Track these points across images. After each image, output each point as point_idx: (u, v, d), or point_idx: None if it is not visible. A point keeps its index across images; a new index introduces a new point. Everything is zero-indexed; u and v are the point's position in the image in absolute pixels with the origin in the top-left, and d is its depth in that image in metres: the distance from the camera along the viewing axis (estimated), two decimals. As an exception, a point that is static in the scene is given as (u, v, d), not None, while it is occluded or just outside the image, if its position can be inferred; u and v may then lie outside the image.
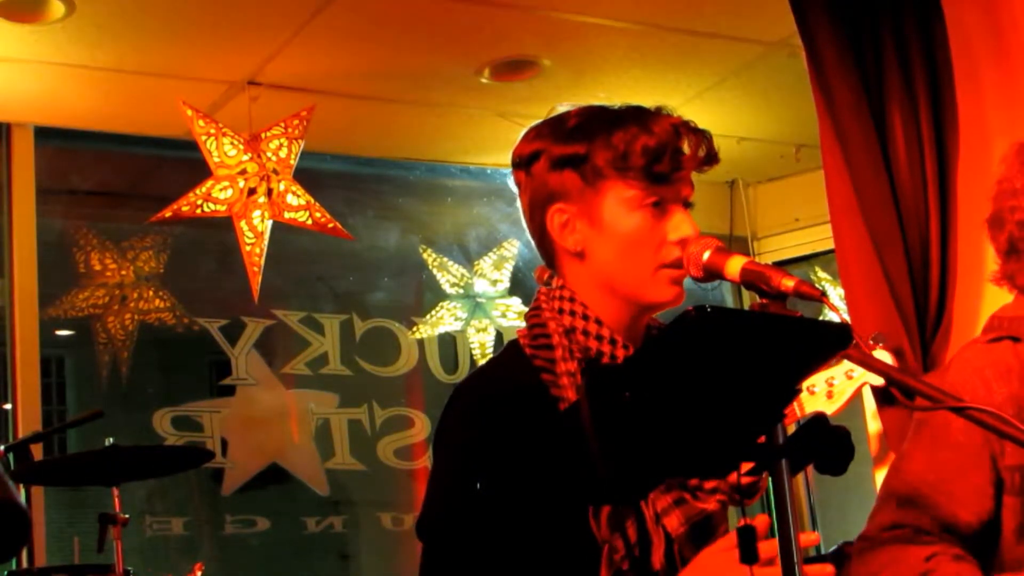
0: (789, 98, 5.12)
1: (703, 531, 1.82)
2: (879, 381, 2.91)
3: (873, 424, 3.27)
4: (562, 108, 1.94)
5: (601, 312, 1.86)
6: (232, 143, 4.71)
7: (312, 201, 4.85)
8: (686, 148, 1.84)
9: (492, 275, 5.95)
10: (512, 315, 5.90)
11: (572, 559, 1.76)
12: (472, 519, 1.75)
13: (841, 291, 3.45)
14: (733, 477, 1.73)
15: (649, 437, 1.43)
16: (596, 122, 1.86)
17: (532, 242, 1.96)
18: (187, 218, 4.75)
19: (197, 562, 3.92)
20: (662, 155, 1.82)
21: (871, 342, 2.95)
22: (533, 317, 1.90)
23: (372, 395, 5.72)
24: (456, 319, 5.89)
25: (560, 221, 1.87)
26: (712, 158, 1.86)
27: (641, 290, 1.85)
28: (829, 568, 1.72)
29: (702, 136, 1.85)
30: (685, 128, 1.85)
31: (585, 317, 1.85)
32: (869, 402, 3.28)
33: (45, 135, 5.08)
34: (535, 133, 1.92)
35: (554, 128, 1.89)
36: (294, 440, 5.59)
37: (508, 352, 1.91)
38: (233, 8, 4.31)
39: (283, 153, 4.78)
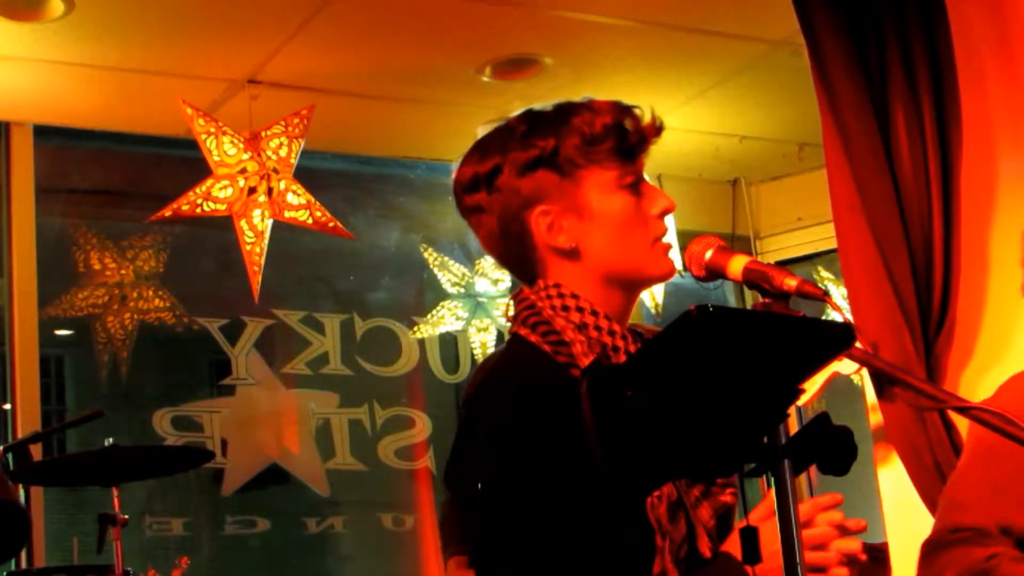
0: (792, 96, 5.11)
1: (725, 523, 1.83)
2: (850, 369, 2.93)
3: (873, 416, 3.27)
4: (482, 130, 1.95)
5: (602, 306, 1.85)
6: (232, 142, 4.70)
7: (312, 200, 4.84)
8: (628, 124, 1.87)
9: (493, 274, 5.94)
10: (513, 315, 5.87)
11: (628, 548, 1.75)
12: (538, 505, 1.71)
13: (844, 290, 3.44)
14: None
15: (651, 438, 1.43)
16: (546, 118, 1.88)
17: (498, 260, 1.95)
18: (187, 217, 4.74)
19: (183, 556, 3.91)
20: (624, 130, 1.85)
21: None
22: (532, 316, 1.86)
23: (373, 395, 5.70)
24: (457, 318, 5.88)
25: (546, 223, 1.86)
26: (661, 126, 1.89)
27: (642, 268, 1.88)
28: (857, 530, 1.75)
29: (637, 108, 1.89)
30: (622, 104, 1.88)
31: (594, 313, 1.84)
32: (870, 394, 3.28)
33: (44, 134, 5.07)
34: (481, 154, 1.90)
35: (504, 139, 1.88)
36: (294, 440, 5.58)
37: (521, 349, 1.86)
38: (233, 6, 4.30)
39: (283, 152, 4.77)
